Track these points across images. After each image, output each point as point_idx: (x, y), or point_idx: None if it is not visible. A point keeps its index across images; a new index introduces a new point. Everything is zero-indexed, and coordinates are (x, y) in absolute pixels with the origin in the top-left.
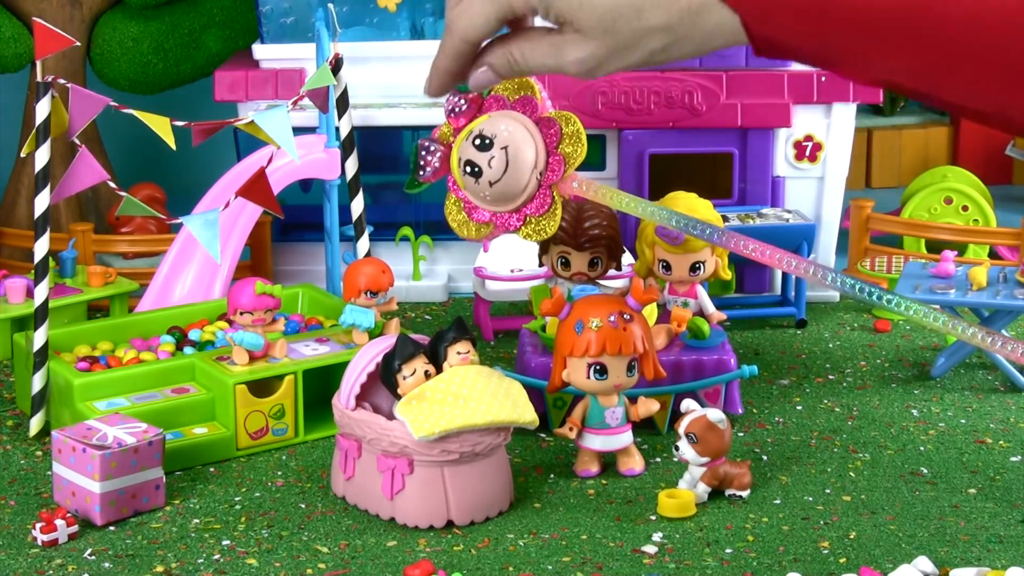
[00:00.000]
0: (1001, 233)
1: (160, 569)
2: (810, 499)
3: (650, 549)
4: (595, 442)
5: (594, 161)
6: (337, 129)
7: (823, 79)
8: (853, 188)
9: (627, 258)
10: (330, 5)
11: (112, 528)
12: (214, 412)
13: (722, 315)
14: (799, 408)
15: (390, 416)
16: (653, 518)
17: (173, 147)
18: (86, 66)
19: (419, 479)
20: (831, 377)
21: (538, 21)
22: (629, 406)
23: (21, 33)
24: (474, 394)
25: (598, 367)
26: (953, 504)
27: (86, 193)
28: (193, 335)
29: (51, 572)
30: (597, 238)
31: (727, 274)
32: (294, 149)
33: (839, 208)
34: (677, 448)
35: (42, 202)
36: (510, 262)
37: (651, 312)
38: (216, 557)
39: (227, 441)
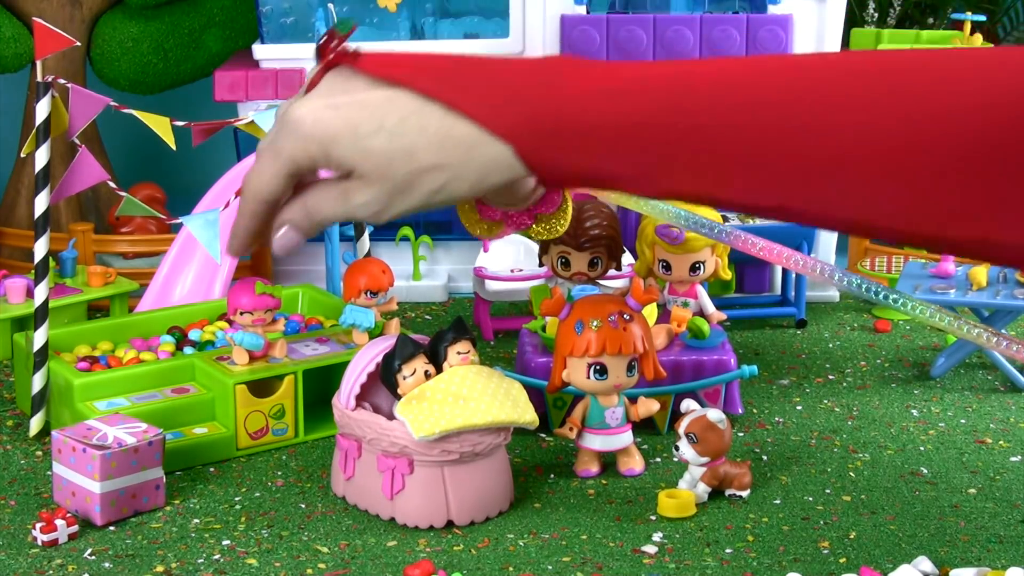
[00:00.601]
0: None
1: (160, 569)
2: (810, 499)
3: (650, 549)
4: (595, 442)
5: None
6: None
7: None
8: None
9: (627, 258)
10: (330, 5)
11: (112, 528)
12: (214, 412)
13: (722, 315)
14: (799, 408)
15: (390, 416)
16: (653, 518)
17: (173, 147)
18: (86, 66)
19: (419, 479)
20: (831, 377)
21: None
22: (629, 406)
23: (21, 33)
24: (474, 394)
25: (598, 367)
26: (953, 504)
27: (86, 193)
28: (193, 335)
29: (51, 572)
30: (597, 238)
31: (727, 274)
32: None
33: None
34: (677, 448)
35: (42, 202)
36: (510, 262)
37: (651, 312)
38: (216, 557)
39: (227, 441)
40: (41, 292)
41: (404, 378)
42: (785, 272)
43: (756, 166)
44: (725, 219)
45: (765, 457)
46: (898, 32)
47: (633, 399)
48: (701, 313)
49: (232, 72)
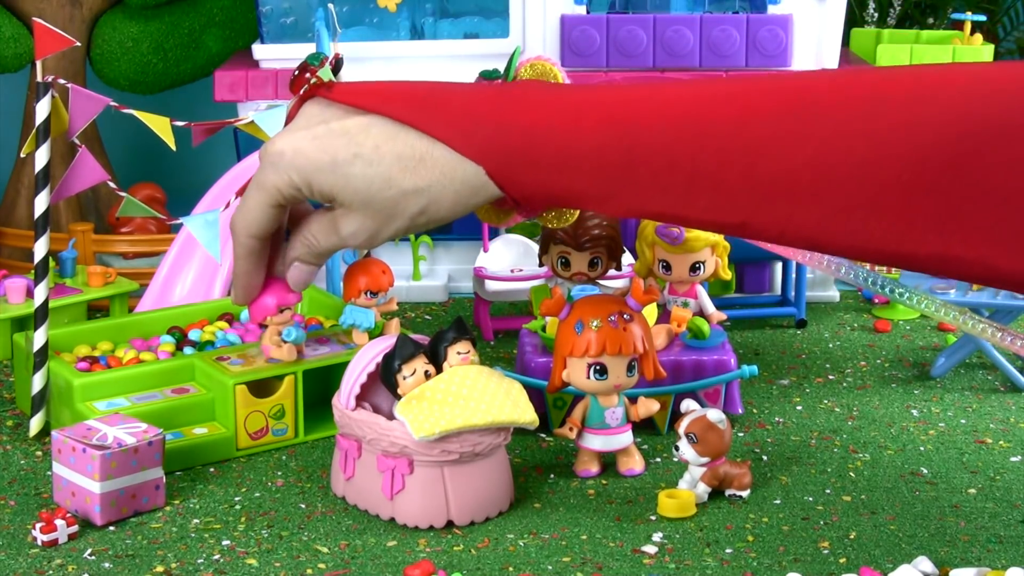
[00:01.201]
0: None
1: (160, 569)
2: (810, 499)
3: (650, 549)
4: (595, 442)
5: None
6: None
7: None
8: None
9: (627, 258)
10: (330, 5)
11: (112, 528)
12: (214, 412)
13: (722, 315)
14: (799, 408)
15: (390, 416)
16: (653, 518)
17: (173, 147)
18: (86, 66)
19: (419, 479)
20: (831, 377)
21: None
22: (629, 406)
23: (21, 33)
24: (474, 394)
25: (598, 367)
26: (953, 504)
27: (86, 193)
28: (193, 335)
29: (51, 572)
30: (597, 238)
31: (727, 274)
32: None
33: None
34: (677, 448)
35: (42, 202)
36: (510, 262)
37: (651, 312)
38: (216, 557)
39: (227, 441)
40: (41, 292)
41: (404, 378)
42: (785, 272)
43: (716, 186)
44: None
45: (765, 457)
46: (898, 32)
47: (633, 399)
48: (701, 313)
49: (232, 72)
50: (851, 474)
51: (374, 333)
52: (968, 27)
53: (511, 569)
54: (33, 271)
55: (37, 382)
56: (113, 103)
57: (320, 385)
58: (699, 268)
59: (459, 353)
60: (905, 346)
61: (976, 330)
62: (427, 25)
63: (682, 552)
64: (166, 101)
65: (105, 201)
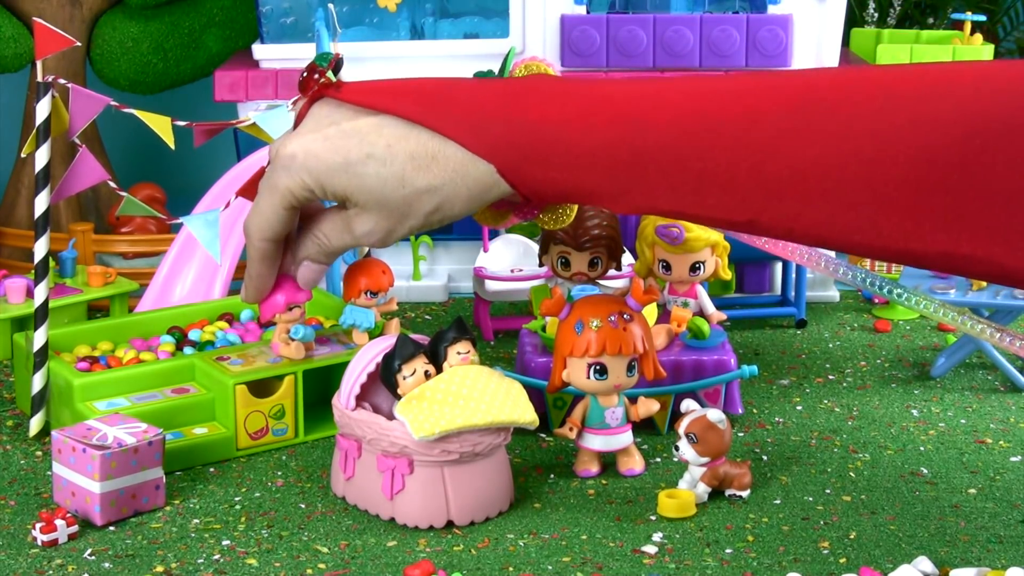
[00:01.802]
0: None
1: (160, 569)
2: (810, 499)
3: (650, 549)
4: (595, 442)
5: None
6: None
7: None
8: None
9: (627, 258)
10: (330, 5)
11: (112, 528)
12: (214, 412)
13: (722, 315)
14: (799, 408)
15: (390, 416)
16: (653, 518)
17: (173, 147)
18: (86, 66)
19: (419, 479)
20: (831, 377)
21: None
22: (629, 406)
23: (21, 33)
24: (474, 394)
25: (598, 367)
26: (953, 504)
27: (86, 193)
28: (193, 335)
29: (51, 572)
30: (597, 238)
31: (727, 274)
32: None
33: None
34: (677, 448)
35: (42, 202)
36: (510, 262)
37: (651, 312)
38: (216, 557)
39: (227, 441)
40: (41, 292)
41: (404, 378)
42: (785, 272)
43: (725, 184)
44: None
45: (765, 457)
46: (898, 32)
47: (633, 399)
48: (701, 313)
49: (232, 72)
50: (851, 474)
51: (374, 333)
52: (968, 27)
53: (511, 569)
54: (33, 271)
55: (37, 382)
56: (113, 103)
57: (320, 385)
58: (699, 268)
59: (459, 353)
60: (905, 346)
61: (975, 331)
62: (427, 25)
63: (682, 552)
64: (166, 101)
65: (105, 201)
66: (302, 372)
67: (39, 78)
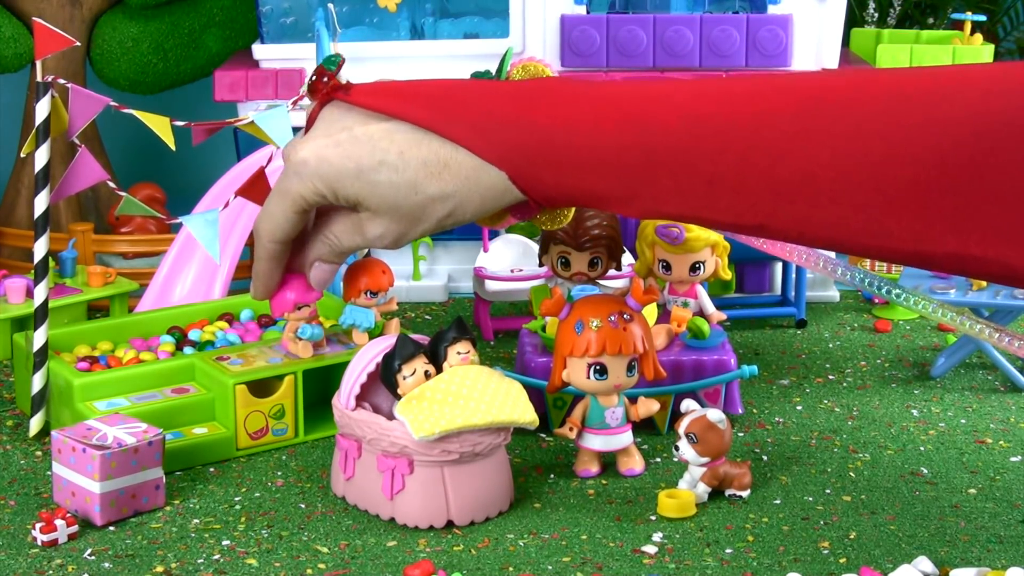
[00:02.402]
0: None
1: (160, 569)
2: (810, 499)
3: (650, 549)
4: (595, 442)
5: None
6: None
7: None
8: None
9: (627, 258)
10: (330, 5)
11: (112, 528)
12: (214, 412)
13: (722, 315)
14: (799, 408)
15: (390, 416)
16: (653, 518)
17: (173, 147)
18: (86, 66)
19: (419, 479)
20: (831, 377)
21: None
22: (629, 406)
23: (21, 33)
24: (474, 394)
25: (598, 367)
26: (953, 504)
27: (86, 193)
28: (193, 335)
29: (51, 572)
30: (597, 238)
31: (727, 274)
32: None
33: None
34: (677, 448)
35: (42, 202)
36: (510, 262)
37: (651, 312)
38: (216, 557)
39: (227, 441)
40: (41, 292)
41: (404, 378)
42: (785, 272)
43: (736, 188)
44: None
45: (765, 457)
46: (898, 32)
47: (633, 399)
48: (701, 313)
49: (232, 72)
50: (851, 474)
51: (374, 333)
52: (968, 27)
53: (511, 569)
54: (33, 271)
55: (37, 382)
56: (113, 103)
57: (320, 385)
58: (699, 268)
59: (459, 353)
60: (905, 346)
61: (974, 331)
62: (427, 25)
63: (682, 552)
64: (166, 101)
65: (105, 201)
66: (302, 372)
67: (39, 78)
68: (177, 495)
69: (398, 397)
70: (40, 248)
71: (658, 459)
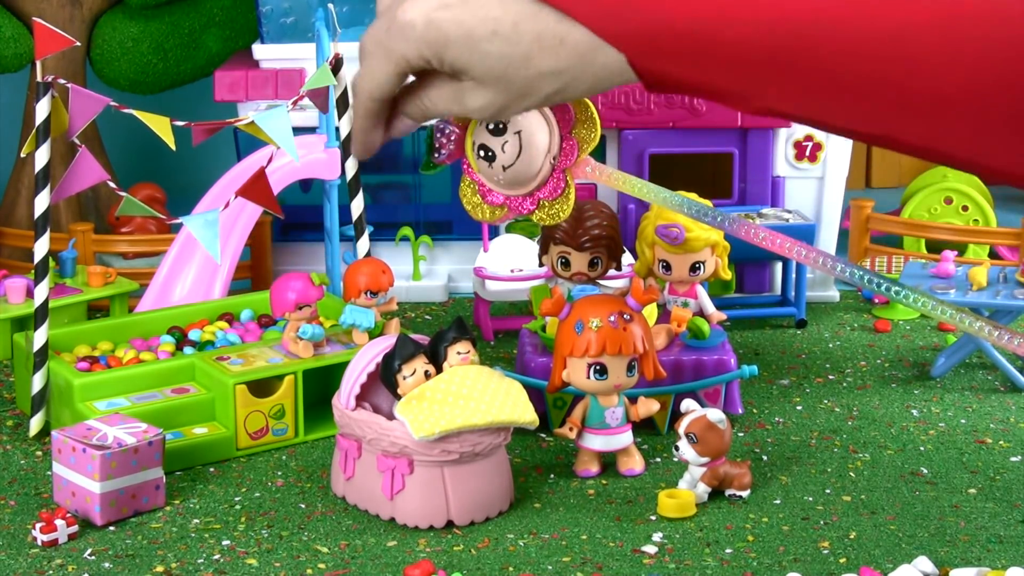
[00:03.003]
0: (1001, 233)
1: (160, 569)
2: (810, 499)
3: (650, 549)
4: (595, 442)
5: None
6: (337, 129)
7: None
8: (853, 188)
9: (627, 258)
10: (330, 5)
11: (112, 528)
12: (214, 412)
13: (722, 315)
14: (799, 408)
15: (390, 416)
16: (653, 518)
17: (173, 147)
18: (86, 66)
19: (419, 479)
20: (831, 377)
21: None
22: (629, 406)
23: (21, 33)
24: (474, 394)
25: (598, 367)
26: (953, 504)
27: (86, 193)
28: (193, 335)
29: (51, 572)
30: (597, 238)
31: (727, 274)
32: (294, 149)
33: (839, 208)
34: (677, 448)
35: (42, 202)
36: (510, 262)
37: (651, 312)
38: (216, 557)
39: (227, 441)
40: (41, 292)
41: (404, 378)
42: (785, 272)
43: (864, 96)
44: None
45: (765, 457)
46: None
47: (633, 399)
48: (701, 313)
49: (232, 72)
50: (851, 474)
51: (374, 333)
52: None
53: (511, 569)
54: (33, 271)
55: (37, 382)
56: (113, 103)
57: (320, 385)
58: (699, 268)
59: (459, 353)
60: (905, 346)
61: (974, 329)
62: None
63: (682, 552)
64: (166, 101)
65: (105, 201)
66: (302, 372)
67: (39, 78)
68: (177, 495)
69: (398, 397)
70: (40, 248)
71: (658, 459)
